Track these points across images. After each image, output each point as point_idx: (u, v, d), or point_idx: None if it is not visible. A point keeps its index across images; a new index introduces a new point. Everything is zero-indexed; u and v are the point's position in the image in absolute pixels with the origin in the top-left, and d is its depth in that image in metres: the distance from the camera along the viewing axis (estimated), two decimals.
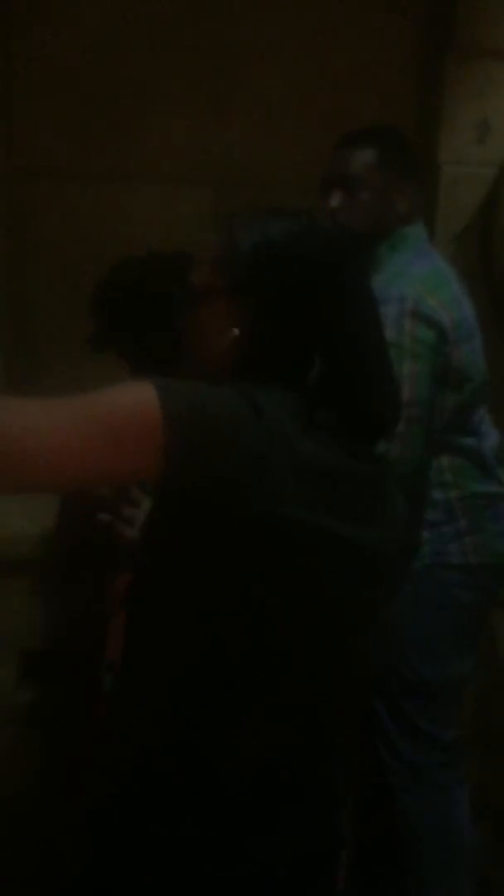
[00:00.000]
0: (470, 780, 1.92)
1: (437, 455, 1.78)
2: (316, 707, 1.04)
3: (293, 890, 1.04)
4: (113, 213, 2.19)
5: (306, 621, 1.00)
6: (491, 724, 2.22)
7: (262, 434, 0.93)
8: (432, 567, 1.80)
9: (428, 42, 2.23)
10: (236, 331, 1.02)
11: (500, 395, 1.97)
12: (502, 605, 2.07)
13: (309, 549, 0.97)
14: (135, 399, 0.91)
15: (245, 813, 1.00)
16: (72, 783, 1.32)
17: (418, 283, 1.74)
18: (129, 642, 1.09)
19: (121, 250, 1.58)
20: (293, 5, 2.20)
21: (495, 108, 2.18)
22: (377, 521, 1.04)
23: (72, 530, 1.68)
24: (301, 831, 1.04)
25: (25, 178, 2.17)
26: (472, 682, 1.95)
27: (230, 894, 1.02)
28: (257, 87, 2.23)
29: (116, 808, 1.04)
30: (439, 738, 1.83)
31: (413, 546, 1.72)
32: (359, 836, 1.91)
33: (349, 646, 1.06)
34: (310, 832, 1.06)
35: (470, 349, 1.80)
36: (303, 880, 1.06)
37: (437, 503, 1.81)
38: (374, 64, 2.25)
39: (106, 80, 2.16)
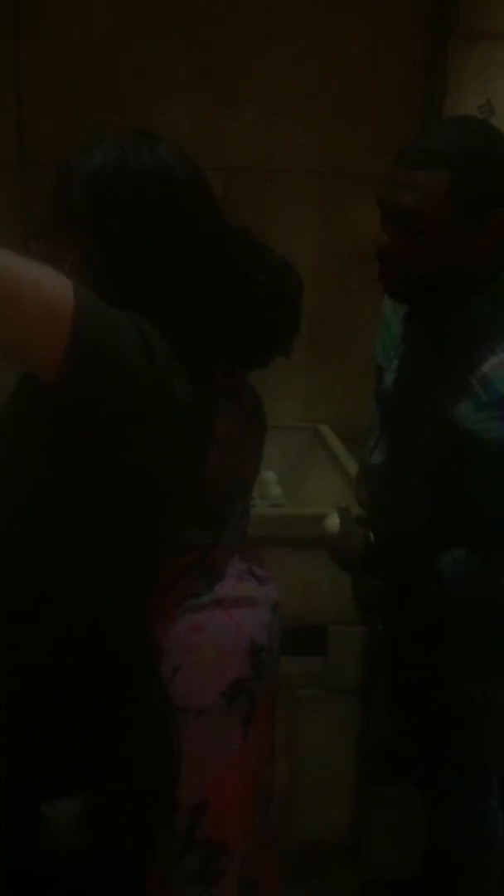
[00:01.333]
0: None
1: None
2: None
3: None
4: None
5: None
6: None
7: (153, 371, 0.93)
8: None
9: (432, 27, 2.25)
10: (74, 257, 1.00)
11: None
12: None
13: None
14: (55, 289, 0.87)
15: None
16: None
17: None
18: None
19: None
20: None
21: (498, 90, 2.20)
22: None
23: None
24: None
25: (38, 170, 2.21)
26: None
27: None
28: (264, 74, 2.25)
29: None
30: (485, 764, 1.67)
31: None
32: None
33: None
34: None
35: None
36: None
37: None
38: (380, 50, 2.27)
39: (114, 72, 2.18)
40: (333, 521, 1.67)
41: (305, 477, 2.36)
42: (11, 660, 1.07)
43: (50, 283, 0.87)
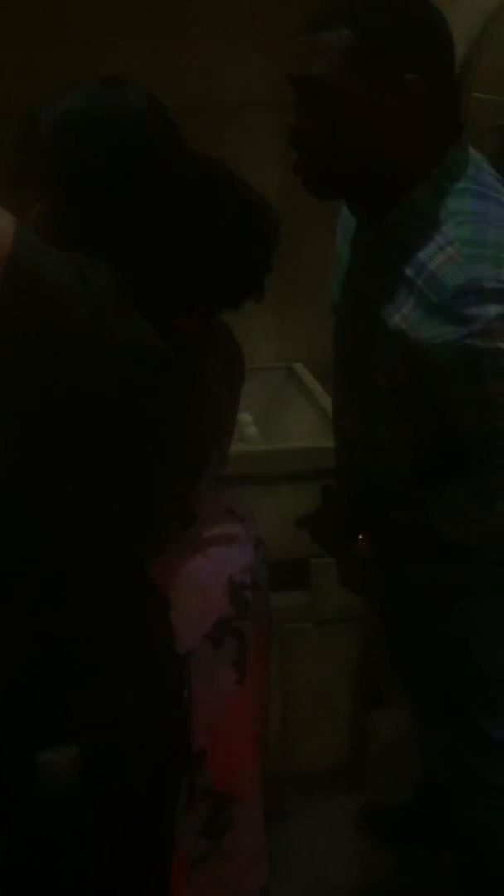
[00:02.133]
0: None
1: None
2: None
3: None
4: None
5: None
6: None
7: (89, 307, 0.93)
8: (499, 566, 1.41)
9: None
10: (39, 206, 1.01)
11: None
12: None
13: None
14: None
15: None
16: None
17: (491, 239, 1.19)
18: None
19: None
20: None
21: (448, 6, 2.11)
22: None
23: None
24: None
25: None
26: None
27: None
28: (211, 7, 2.19)
29: None
30: (498, 738, 1.52)
31: None
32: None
33: None
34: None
35: None
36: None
37: None
38: None
39: (60, 8, 2.12)
40: None
41: (282, 416, 2.36)
42: (5, 608, 1.08)
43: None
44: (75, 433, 1.00)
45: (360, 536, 1.42)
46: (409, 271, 1.24)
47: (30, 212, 1.00)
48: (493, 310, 1.16)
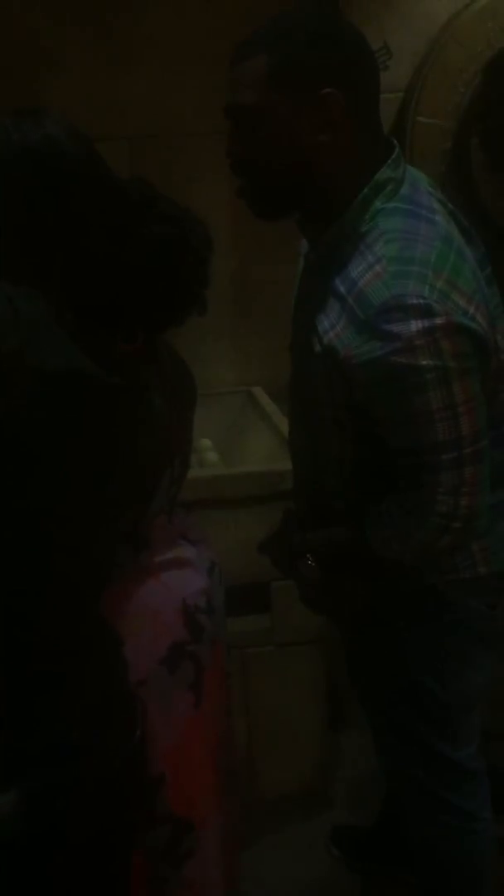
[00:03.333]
0: None
1: None
2: None
3: None
4: None
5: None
6: None
7: (19, 337, 0.94)
8: (439, 587, 1.43)
9: None
10: None
11: None
12: None
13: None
14: None
15: None
16: None
17: (431, 274, 1.19)
18: None
19: None
20: None
21: (393, 31, 2.20)
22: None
23: None
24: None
25: None
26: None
27: None
28: (153, 34, 2.22)
29: None
30: (454, 759, 1.54)
31: None
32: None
33: None
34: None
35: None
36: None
37: None
38: (272, 2, 2.25)
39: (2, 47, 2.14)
40: None
41: (241, 440, 2.36)
42: None
43: None
44: (12, 463, 0.99)
45: (308, 557, 1.42)
46: (342, 289, 1.26)
47: None
48: (415, 326, 1.17)
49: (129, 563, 1.35)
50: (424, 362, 1.18)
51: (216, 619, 1.47)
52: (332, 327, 1.26)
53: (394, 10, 2.19)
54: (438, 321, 1.17)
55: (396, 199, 1.27)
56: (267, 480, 1.93)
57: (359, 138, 1.26)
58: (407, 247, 1.22)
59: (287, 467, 1.66)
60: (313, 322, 1.30)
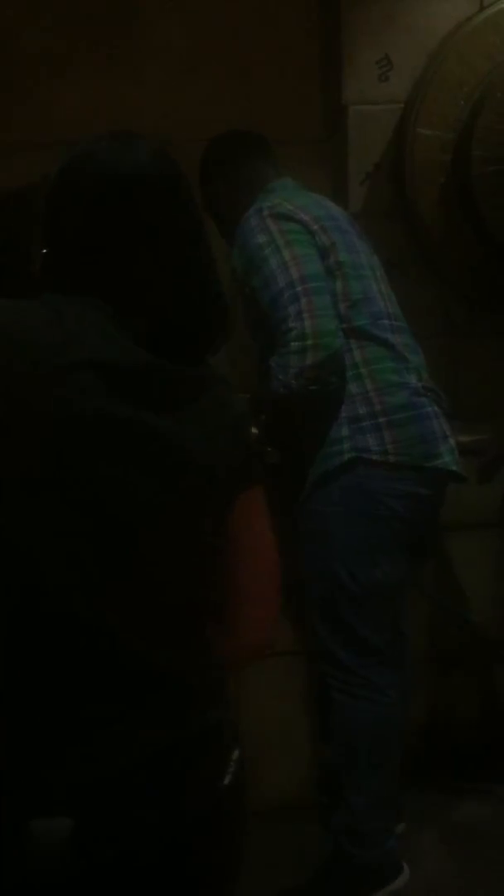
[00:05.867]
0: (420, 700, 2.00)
1: (347, 347, 1.79)
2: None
3: None
4: None
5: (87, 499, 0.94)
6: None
7: (60, 337, 0.93)
8: (353, 462, 1.79)
9: None
10: (44, 250, 1.03)
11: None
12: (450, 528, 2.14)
13: (97, 435, 0.95)
14: None
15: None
16: None
17: (274, 197, 1.86)
18: None
19: None
20: None
21: (394, 44, 2.21)
22: (186, 417, 1.02)
23: None
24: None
25: None
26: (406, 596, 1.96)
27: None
28: (159, 43, 2.23)
29: None
30: (371, 641, 1.85)
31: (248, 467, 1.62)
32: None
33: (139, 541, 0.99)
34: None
35: (344, 240, 1.84)
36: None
37: (353, 396, 1.81)
38: (275, 12, 2.27)
39: (6, 53, 2.15)
40: None
41: None
42: None
43: None
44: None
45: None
46: None
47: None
48: (252, 216, 1.84)
49: None
50: (261, 238, 1.79)
51: None
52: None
53: (395, 23, 2.20)
54: (265, 211, 1.81)
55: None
56: None
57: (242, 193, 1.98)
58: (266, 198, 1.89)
59: None
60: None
